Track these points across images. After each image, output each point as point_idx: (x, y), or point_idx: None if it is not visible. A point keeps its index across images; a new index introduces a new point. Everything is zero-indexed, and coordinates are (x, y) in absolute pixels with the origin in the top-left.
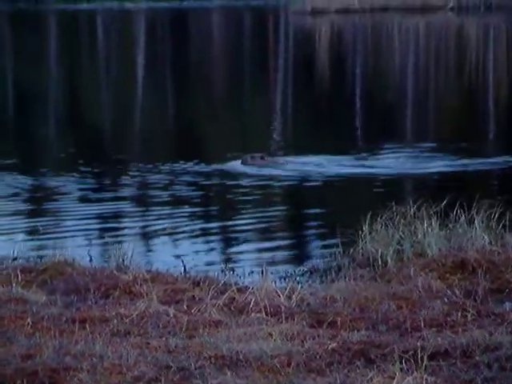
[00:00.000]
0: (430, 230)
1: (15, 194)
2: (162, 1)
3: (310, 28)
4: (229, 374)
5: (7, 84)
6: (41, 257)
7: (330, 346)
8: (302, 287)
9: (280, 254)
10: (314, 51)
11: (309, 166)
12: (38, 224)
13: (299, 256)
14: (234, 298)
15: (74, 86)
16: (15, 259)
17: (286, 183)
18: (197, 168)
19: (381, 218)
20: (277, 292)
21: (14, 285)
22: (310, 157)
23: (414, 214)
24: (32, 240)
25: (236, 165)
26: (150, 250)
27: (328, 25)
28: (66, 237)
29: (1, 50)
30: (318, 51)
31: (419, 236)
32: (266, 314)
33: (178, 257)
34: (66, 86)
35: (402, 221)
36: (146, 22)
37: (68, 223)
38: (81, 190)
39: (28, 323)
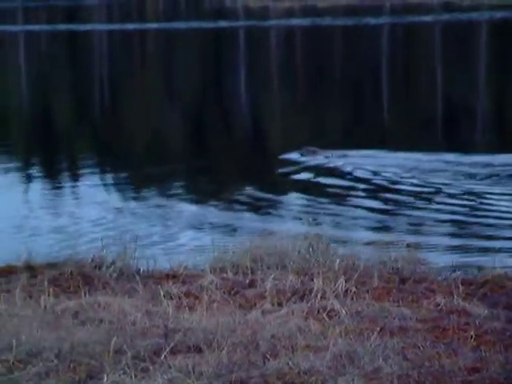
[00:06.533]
0: None
1: None
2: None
3: None
4: None
5: (437, 94)
6: (479, 269)
7: None
8: None
9: None
10: None
11: None
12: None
13: None
14: None
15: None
16: (454, 271)
17: None
18: None
19: None
20: None
21: (455, 296)
22: None
23: None
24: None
25: None
26: None
27: None
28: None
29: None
30: None
31: None
32: None
33: None
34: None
35: None
36: None
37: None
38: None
39: (471, 336)
